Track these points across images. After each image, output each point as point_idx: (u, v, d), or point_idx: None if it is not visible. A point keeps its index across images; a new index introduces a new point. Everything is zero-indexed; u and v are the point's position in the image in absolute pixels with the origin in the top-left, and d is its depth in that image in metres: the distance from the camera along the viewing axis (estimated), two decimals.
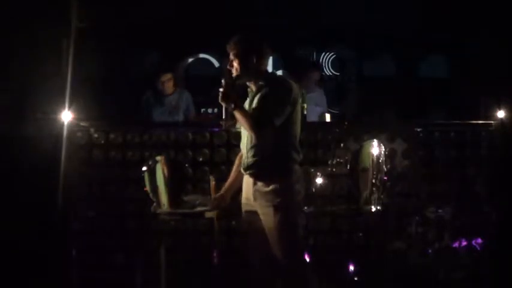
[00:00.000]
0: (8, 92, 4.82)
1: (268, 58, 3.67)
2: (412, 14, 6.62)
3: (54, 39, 5.13)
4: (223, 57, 7.45)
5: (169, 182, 4.10)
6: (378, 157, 4.18)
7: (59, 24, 5.14)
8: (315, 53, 7.56)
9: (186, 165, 4.57)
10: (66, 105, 4.67)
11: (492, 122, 4.92)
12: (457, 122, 5.17)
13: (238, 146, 4.79)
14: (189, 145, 4.84)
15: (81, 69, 5.22)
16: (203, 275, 4.49)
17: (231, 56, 3.59)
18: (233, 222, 4.81)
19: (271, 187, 3.46)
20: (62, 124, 4.59)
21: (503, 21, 5.67)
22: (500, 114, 4.88)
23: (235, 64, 3.57)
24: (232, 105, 3.42)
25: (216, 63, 7.55)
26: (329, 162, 4.63)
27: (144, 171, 4.22)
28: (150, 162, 4.21)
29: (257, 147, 3.50)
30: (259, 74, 3.59)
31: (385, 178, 4.25)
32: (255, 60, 3.56)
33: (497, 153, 4.92)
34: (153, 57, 7.35)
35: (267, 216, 3.48)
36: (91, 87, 5.75)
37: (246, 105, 3.61)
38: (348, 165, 4.42)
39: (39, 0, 4.99)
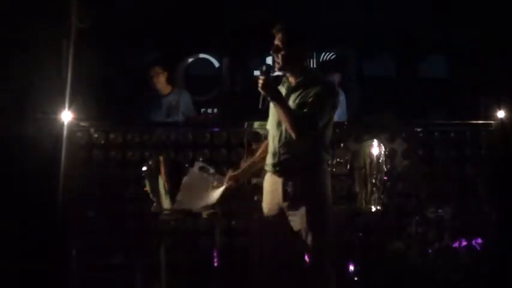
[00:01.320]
0: (8, 92, 4.81)
1: (310, 54, 3.52)
2: (412, 13, 6.61)
3: (54, 39, 5.13)
4: (223, 57, 7.47)
5: (169, 182, 4.10)
6: (378, 157, 4.18)
7: (59, 24, 5.14)
8: (315, 53, 7.56)
9: (186, 165, 4.56)
10: (66, 105, 4.67)
11: (492, 122, 4.92)
12: (457, 122, 5.17)
13: (238, 146, 4.83)
14: (189, 145, 4.84)
15: (81, 69, 5.21)
16: (203, 275, 4.49)
17: (277, 41, 3.40)
18: (233, 222, 4.82)
19: (303, 186, 3.34)
20: (62, 124, 4.60)
21: (504, 21, 5.67)
22: (500, 114, 4.88)
23: (280, 52, 3.38)
24: (273, 96, 3.26)
25: (216, 63, 7.55)
26: (329, 162, 4.63)
27: (144, 171, 4.22)
28: (150, 162, 4.22)
29: (291, 145, 3.35)
30: (302, 68, 3.42)
31: (385, 178, 4.25)
32: (301, 53, 3.40)
33: (497, 153, 4.92)
34: (153, 57, 7.35)
35: (297, 216, 3.34)
36: (91, 87, 5.74)
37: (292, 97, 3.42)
38: (348, 165, 4.42)
39: (39, 0, 4.99)
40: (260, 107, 3.34)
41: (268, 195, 3.48)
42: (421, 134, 4.98)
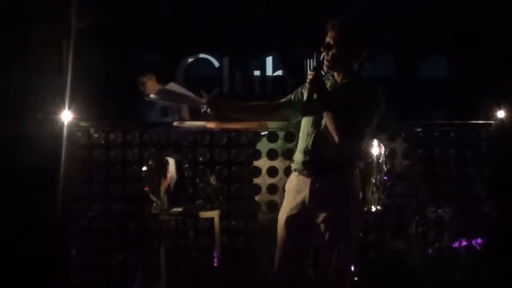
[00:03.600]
0: (8, 92, 4.82)
1: (365, 53, 3.28)
2: (412, 13, 6.62)
3: (54, 39, 5.13)
4: (223, 57, 7.46)
5: (169, 182, 4.10)
6: (378, 157, 4.17)
7: (59, 24, 5.14)
8: (315, 53, 7.54)
9: (186, 165, 4.57)
10: (66, 105, 4.67)
11: (492, 122, 4.92)
12: (457, 122, 5.17)
13: (238, 146, 4.83)
14: (189, 145, 4.84)
15: (81, 69, 5.22)
16: (203, 275, 4.49)
17: (328, 38, 3.24)
18: (233, 222, 4.82)
19: (332, 188, 3.16)
20: (62, 124, 4.59)
21: (504, 21, 5.67)
22: (500, 114, 4.88)
23: (330, 50, 3.21)
24: (321, 94, 3.10)
25: (216, 63, 7.55)
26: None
27: (144, 171, 4.22)
28: (150, 162, 4.22)
29: (326, 145, 3.15)
30: (351, 69, 3.26)
31: (385, 178, 4.24)
32: (353, 53, 3.23)
33: (497, 153, 4.92)
34: (153, 57, 7.36)
35: (325, 219, 3.16)
36: (91, 87, 5.75)
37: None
38: None
39: (39, 0, 5.00)
40: (307, 103, 3.22)
41: (292, 196, 3.27)
42: (421, 134, 4.98)
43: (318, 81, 3.13)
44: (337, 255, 3.15)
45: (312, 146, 3.21)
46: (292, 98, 3.42)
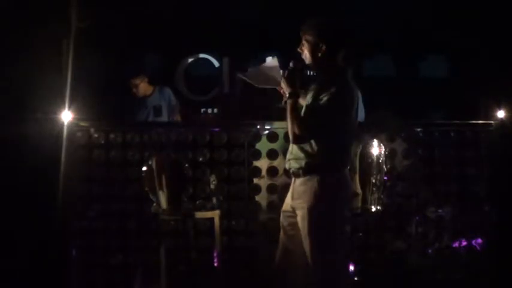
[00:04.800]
0: (8, 92, 4.82)
1: (343, 52, 3.29)
2: (412, 13, 6.62)
3: (54, 39, 5.13)
4: (223, 57, 7.46)
5: (169, 182, 4.10)
6: (378, 157, 4.18)
7: (59, 24, 5.14)
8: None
9: (186, 165, 4.56)
10: (66, 105, 4.67)
11: (492, 122, 4.92)
12: (457, 122, 5.17)
13: (237, 146, 4.84)
14: (189, 145, 4.84)
15: (81, 69, 5.22)
16: (203, 275, 4.49)
17: (304, 39, 3.32)
18: (233, 222, 4.82)
19: (306, 186, 3.25)
20: (62, 124, 4.59)
21: (504, 21, 5.67)
22: (500, 114, 4.88)
23: (305, 50, 3.31)
24: (288, 94, 3.21)
25: (216, 63, 7.55)
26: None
27: (144, 171, 4.22)
28: (150, 162, 4.22)
29: (300, 146, 3.28)
30: (329, 67, 3.29)
31: (385, 178, 4.25)
32: (326, 51, 3.26)
33: (497, 153, 4.92)
34: (153, 58, 7.36)
35: (300, 218, 3.27)
36: (91, 87, 5.74)
37: (309, 97, 3.33)
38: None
39: (39, 0, 5.00)
40: (283, 103, 3.32)
41: (287, 194, 3.45)
42: (421, 134, 4.98)
43: (286, 82, 3.26)
44: (312, 255, 3.21)
45: (291, 146, 3.36)
46: None
